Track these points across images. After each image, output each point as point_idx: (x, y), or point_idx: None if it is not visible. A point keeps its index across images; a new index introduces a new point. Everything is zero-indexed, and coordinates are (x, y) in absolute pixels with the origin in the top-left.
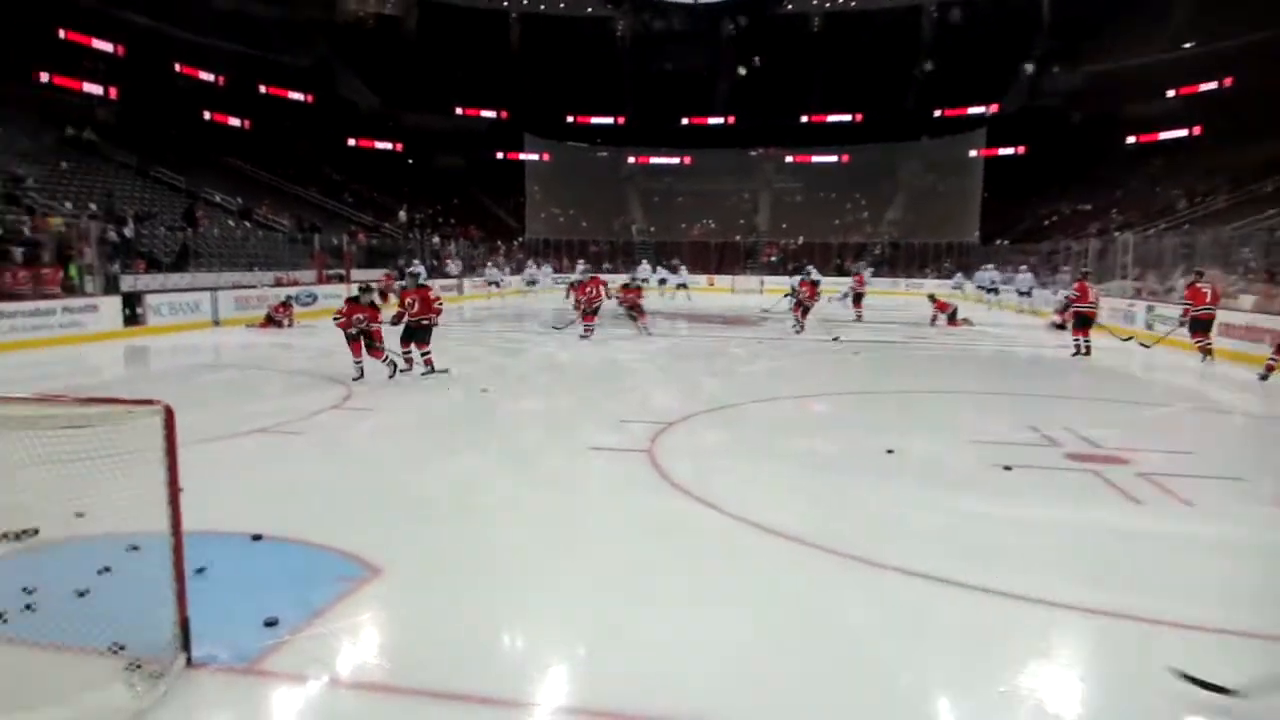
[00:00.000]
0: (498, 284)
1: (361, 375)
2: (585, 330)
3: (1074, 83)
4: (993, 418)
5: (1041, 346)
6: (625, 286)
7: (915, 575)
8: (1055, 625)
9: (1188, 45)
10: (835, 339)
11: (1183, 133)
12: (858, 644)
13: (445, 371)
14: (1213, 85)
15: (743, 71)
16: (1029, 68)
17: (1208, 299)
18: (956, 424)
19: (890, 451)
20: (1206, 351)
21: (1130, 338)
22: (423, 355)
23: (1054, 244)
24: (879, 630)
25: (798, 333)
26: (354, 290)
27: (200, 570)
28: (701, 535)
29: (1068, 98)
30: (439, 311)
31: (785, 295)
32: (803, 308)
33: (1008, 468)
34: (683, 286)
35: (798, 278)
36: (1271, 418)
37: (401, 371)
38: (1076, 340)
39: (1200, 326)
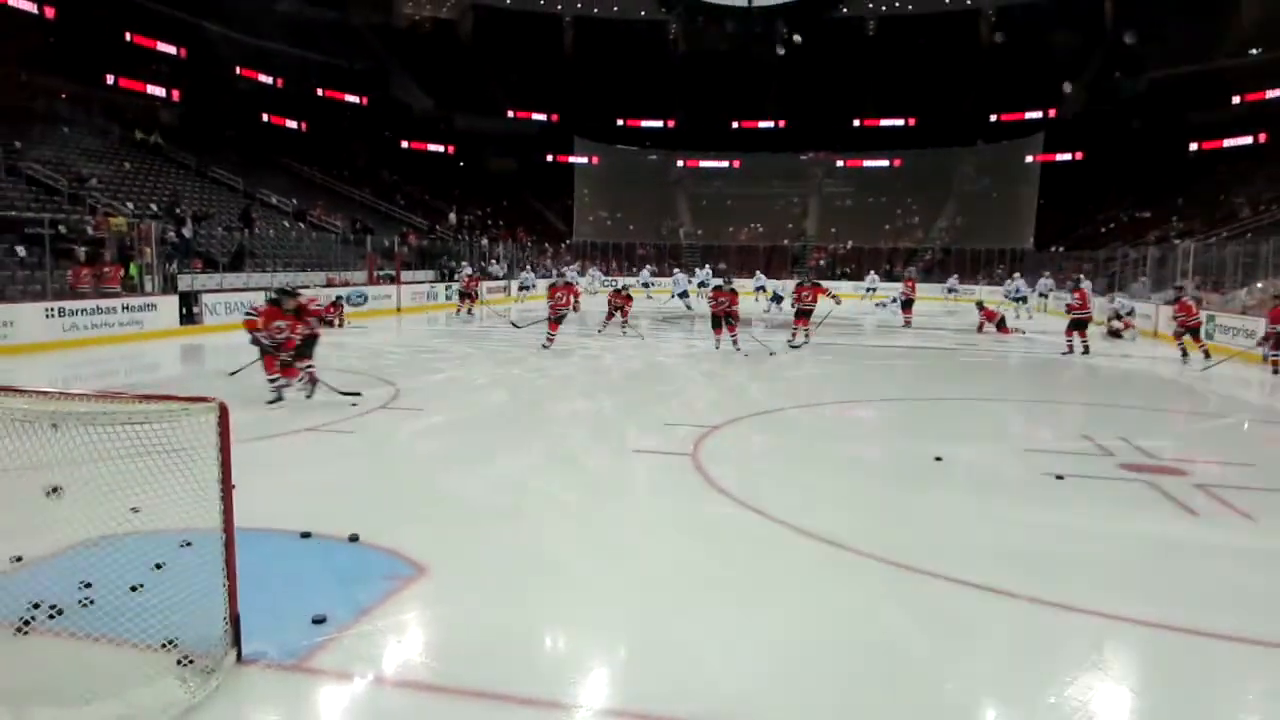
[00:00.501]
0: (530, 287)
1: (280, 398)
2: (547, 339)
3: (1136, 88)
4: (1044, 426)
5: (1095, 355)
6: (718, 289)
7: (964, 584)
8: (1109, 637)
9: (1254, 51)
10: (772, 354)
11: (1247, 140)
12: (903, 652)
13: (355, 395)
14: (1278, 93)
15: (780, 51)
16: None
17: (1194, 311)
18: (1007, 432)
19: (939, 459)
20: (1204, 352)
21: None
22: (305, 370)
23: (1111, 251)
24: (925, 638)
25: (790, 342)
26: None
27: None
28: (745, 539)
29: (1129, 103)
30: (318, 317)
31: (770, 297)
32: (803, 313)
33: (1060, 477)
34: (761, 290)
35: (790, 281)
36: None
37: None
38: (1069, 340)
39: (1193, 334)
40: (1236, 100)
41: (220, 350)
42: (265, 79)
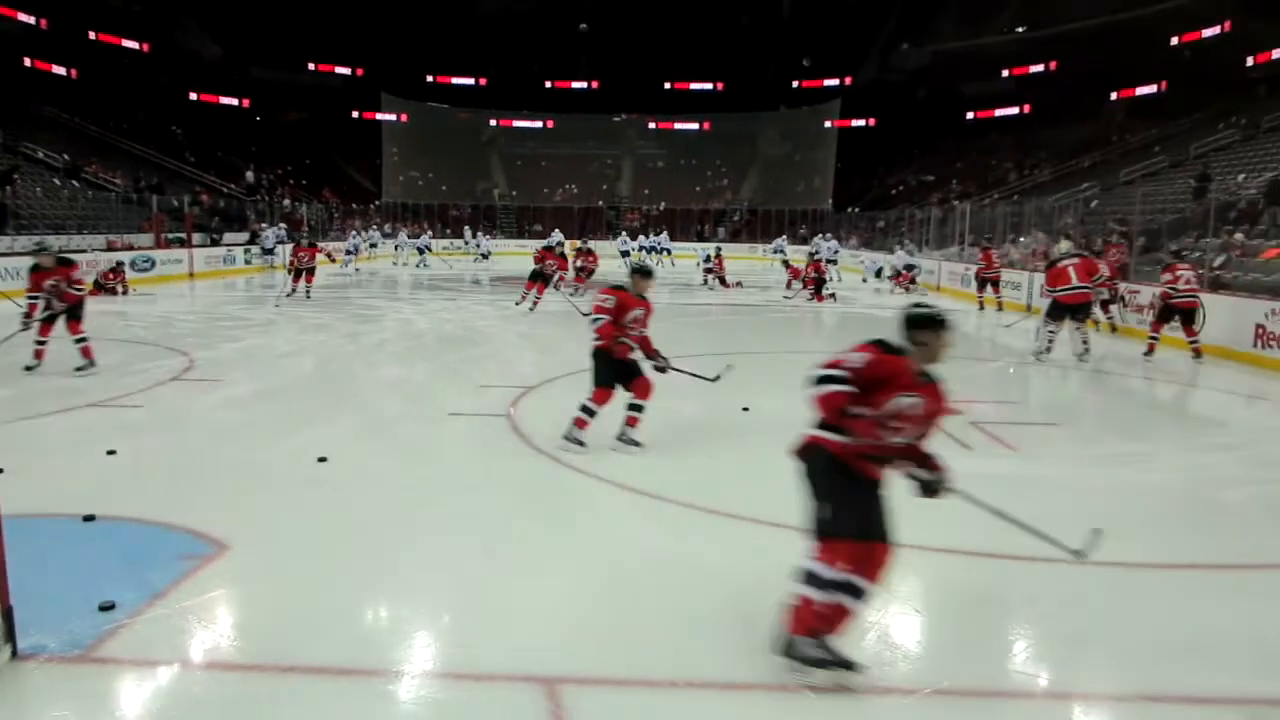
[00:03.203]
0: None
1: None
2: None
3: (920, 59)
4: None
5: (885, 309)
6: (547, 250)
7: (765, 523)
8: (899, 565)
9: (1020, 29)
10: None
11: (1014, 110)
12: (716, 592)
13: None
14: (1040, 68)
15: (584, 27)
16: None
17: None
18: (806, 382)
19: (745, 409)
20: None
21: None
22: (76, 342)
23: (900, 212)
24: (734, 577)
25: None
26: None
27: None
28: (562, 496)
29: (914, 74)
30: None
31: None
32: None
33: None
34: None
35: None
36: (1084, 368)
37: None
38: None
39: (993, 285)
40: (1005, 73)
41: None
42: (25, 18)
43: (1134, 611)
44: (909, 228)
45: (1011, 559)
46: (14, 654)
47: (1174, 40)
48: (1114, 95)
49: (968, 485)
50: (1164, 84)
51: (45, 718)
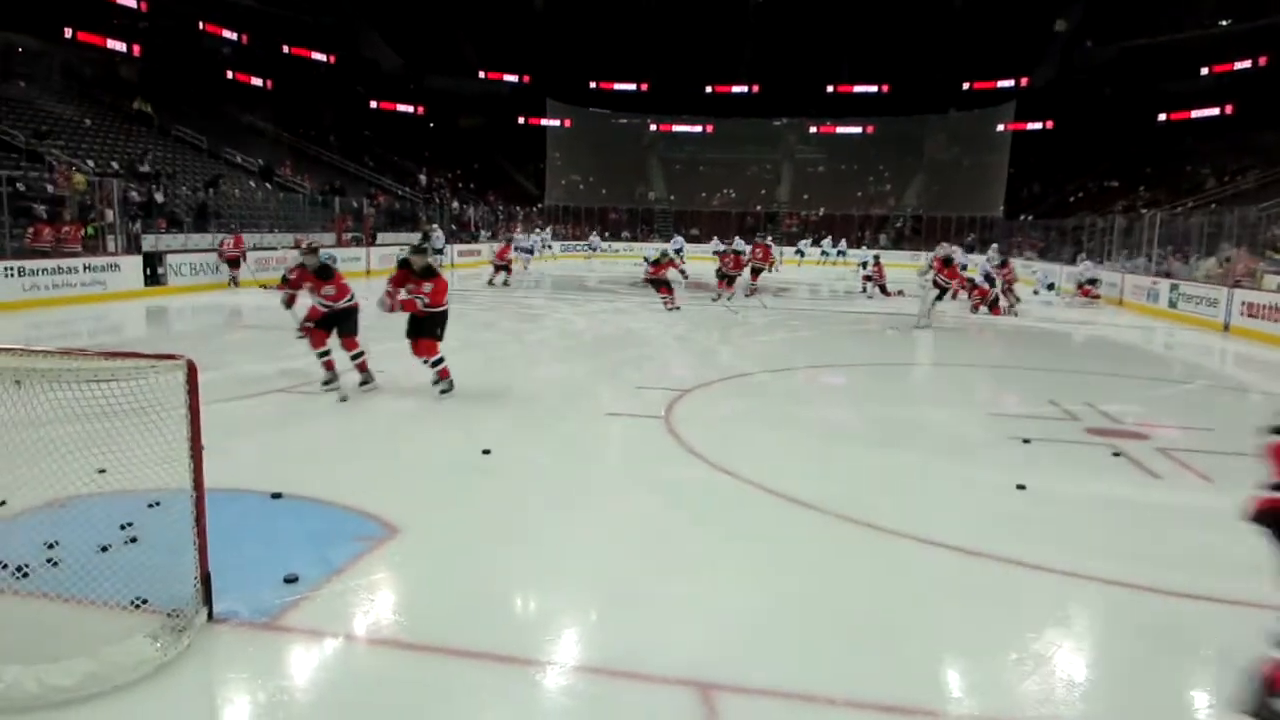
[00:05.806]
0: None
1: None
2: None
3: (1106, 57)
4: (1011, 392)
5: (1059, 323)
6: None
7: (930, 543)
8: (1073, 595)
9: (1223, 23)
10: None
11: (1215, 111)
12: (870, 610)
13: None
14: (1246, 64)
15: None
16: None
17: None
18: (974, 397)
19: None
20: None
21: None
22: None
23: (1079, 220)
24: (892, 597)
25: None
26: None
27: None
28: (716, 500)
29: (1099, 72)
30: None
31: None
32: (726, 278)
33: (1026, 440)
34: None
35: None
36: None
37: None
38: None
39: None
40: (1205, 71)
41: (186, 313)
42: (229, 34)
43: None
44: (1089, 237)
45: (1204, 600)
46: (210, 617)
47: None
48: None
49: (1157, 517)
50: None
51: (234, 678)
